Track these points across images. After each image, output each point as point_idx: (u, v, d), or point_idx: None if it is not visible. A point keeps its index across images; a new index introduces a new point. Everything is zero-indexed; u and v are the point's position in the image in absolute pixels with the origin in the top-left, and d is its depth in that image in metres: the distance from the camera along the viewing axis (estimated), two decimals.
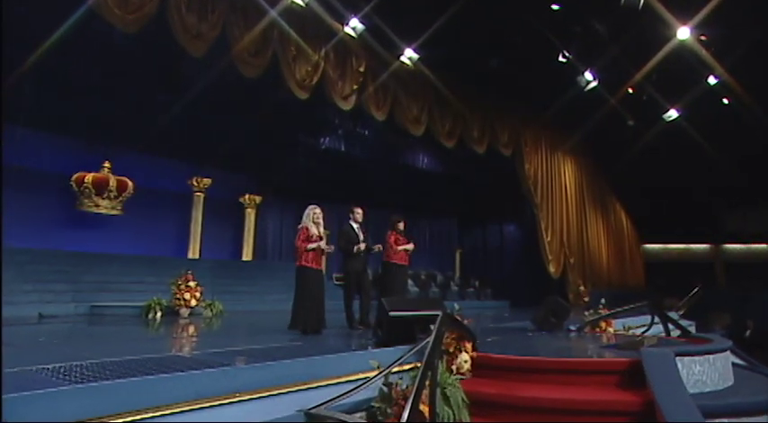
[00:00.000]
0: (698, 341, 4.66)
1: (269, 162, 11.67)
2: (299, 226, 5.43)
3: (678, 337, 5.53)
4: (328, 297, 5.56)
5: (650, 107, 12.52)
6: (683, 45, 9.48)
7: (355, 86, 9.19)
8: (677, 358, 3.54)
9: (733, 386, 3.78)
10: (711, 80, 11.15)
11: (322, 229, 5.44)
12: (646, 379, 3.36)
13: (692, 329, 5.83)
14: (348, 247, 5.75)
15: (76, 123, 8.78)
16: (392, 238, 6.24)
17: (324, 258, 5.47)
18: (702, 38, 9.61)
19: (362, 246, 5.77)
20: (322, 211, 5.52)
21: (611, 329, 6.55)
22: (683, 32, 9.25)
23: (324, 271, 5.53)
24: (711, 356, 3.72)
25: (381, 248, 6.04)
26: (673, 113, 13.00)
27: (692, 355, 3.63)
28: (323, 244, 5.34)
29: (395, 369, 3.16)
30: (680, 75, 10.80)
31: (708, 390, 3.59)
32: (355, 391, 2.98)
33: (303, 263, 5.28)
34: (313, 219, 5.40)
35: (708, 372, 3.63)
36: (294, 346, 4.15)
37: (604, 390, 3.55)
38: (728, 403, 3.35)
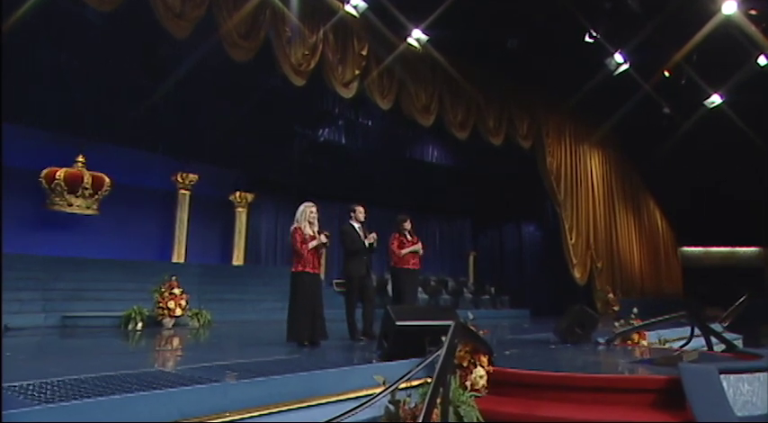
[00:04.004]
0: (746, 357, 4.61)
1: (262, 156, 11.70)
2: (292, 227, 5.43)
3: (722, 351, 5.47)
4: (328, 305, 5.57)
5: (690, 92, 12.41)
6: (728, 21, 9.38)
7: (357, 72, 9.19)
8: (722, 376, 3.49)
9: None
10: (761, 61, 11.03)
11: (317, 230, 5.43)
12: (685, 399, 3.32)
13: (739, 344, 5.79)
14: (355, 246, 5.77)
15: (46, 113, 8.82)
16: (395, 244, 6.25)
17: (321, 260, 5.48)
18: (752, 12, 9.50)
19: (373, 236, 5.81)
20: (317, 209, 5.53)
21: (644, 342, 6.52)
22: (729, 6, 9.15)
23: (321, 275, 5.53)
24: (762, 374, 3.66)
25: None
26: (716, 99, 12.89)
27: (740, 373, 3.58)
28: (323, 237, 5.35)
29: (402, 385, 3.15)
30: (725, 55, 10.68)
31: (758, 413, 3.54)
32: (359, 409, 2.96)
33: (299, 268, 5.30)
34: (308, 217, 5.40)
35: (758, 392, 3.58)
36: (290, 360, 4.16)
37: (637, 410, 3.52)
38: None
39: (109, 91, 9.10)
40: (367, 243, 5.87)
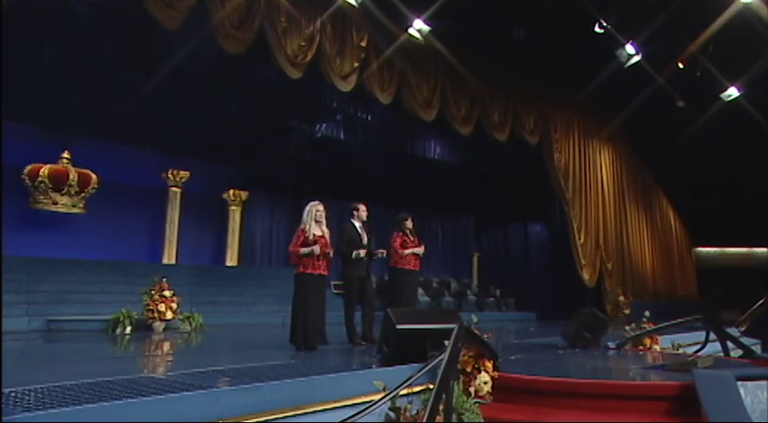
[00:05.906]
0: (765, 363, 4.62)
1: (256, 152, 11.69)
2: (299, 228, 5.48)
3: (740, 357, 5.49)
4: (327, 308, 5.58)
5: (705, 85, 12.38)
6: (746, 8, 9.35)
7: (356, 64, 9.18)
8: (739, 383, 3.49)
9: None
10: None
11: (325, 228, 5.47)
12: (700, 407, 3.32)
13: (757, 349, 5.82)
14: (347, 252, 5.78)
15: (29, 107, 8.79)
16: (398, 242, 6.30)
17: (326, 262, 5.50)
18: None
19: (362, 252, 5.80)
20: (324, 207, 5.57)
21: (657, 347, 6.53)
22: None
23: (325, 276, 5.57)
24: None
25: (385, 254, 6.10)
26: (733, 92, 12.86)
27: (758, 380, 3.58)
28: (317, 248, 5.32)
29: (403, 391, 3.15)
30: (743, 45, 10.61)
31: None
32: (358, 416, 2.96)
33: (301, 270, 5.34)
34: (315, 217, 5.45)
35: None
36: (286, 365, 4.17)
37: (649, 418, 3.52)
38: None
39: (96, 84, 9.08)
40: (354, 254, 5.80)
